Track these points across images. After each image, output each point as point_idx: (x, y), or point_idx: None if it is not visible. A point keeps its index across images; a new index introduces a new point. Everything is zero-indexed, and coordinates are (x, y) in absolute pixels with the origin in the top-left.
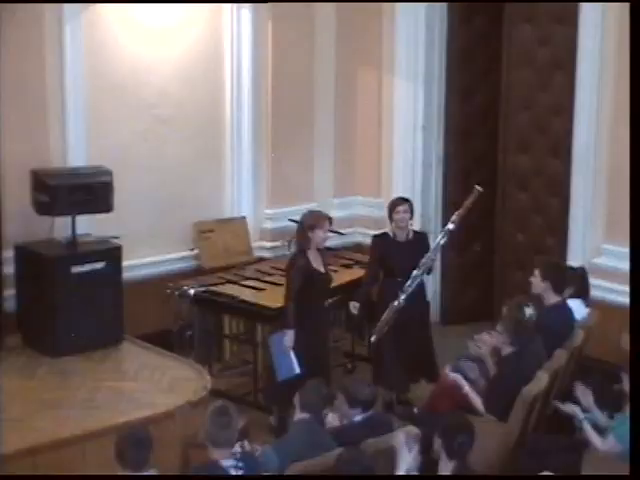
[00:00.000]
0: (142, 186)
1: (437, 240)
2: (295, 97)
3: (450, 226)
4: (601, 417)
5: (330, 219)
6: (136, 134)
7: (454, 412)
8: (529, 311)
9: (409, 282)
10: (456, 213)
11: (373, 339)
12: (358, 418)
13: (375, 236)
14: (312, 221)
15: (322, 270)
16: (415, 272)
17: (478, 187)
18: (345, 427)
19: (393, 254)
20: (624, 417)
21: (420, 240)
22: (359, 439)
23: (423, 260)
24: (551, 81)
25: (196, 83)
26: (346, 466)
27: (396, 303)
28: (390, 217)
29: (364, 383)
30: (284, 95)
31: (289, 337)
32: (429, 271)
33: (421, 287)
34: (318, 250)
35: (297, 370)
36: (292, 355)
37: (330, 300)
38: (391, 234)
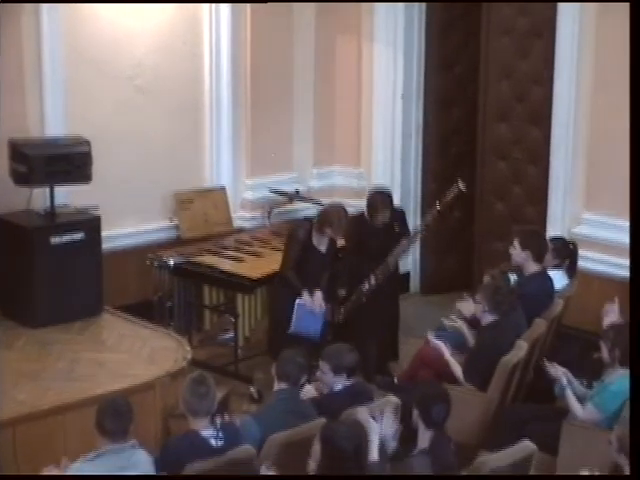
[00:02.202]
0: (121, 157)
1: (413, 232)
2: (274, 67)
3: (427, 220)
4: (579, 386)
5: (346, 214)
6: (115, 105)
7: (432, 381)
8: (513, 278)
9: (380, 268)
10: (436, 207)
11: (340, 318)
12: (339, 387)
13: (353, 217)
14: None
15: (322, 250)
16: (389, 259)
17: (461, 185)
18: (326, 396)
19: (369, 237)
20: (603, 385)
21: (397, 220)
22: (340, 408)
23: (397, 248)
24: (530, 50)
25: (175, 54)
26: (339, 442)
27: (366, 286)
28: (369, 213)
29: (346, 348)
30: (263, 65)
31: (317, 299)
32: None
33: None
34: None
35: (318, 335)
36: (321, 319)
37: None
38: (368, 217)
